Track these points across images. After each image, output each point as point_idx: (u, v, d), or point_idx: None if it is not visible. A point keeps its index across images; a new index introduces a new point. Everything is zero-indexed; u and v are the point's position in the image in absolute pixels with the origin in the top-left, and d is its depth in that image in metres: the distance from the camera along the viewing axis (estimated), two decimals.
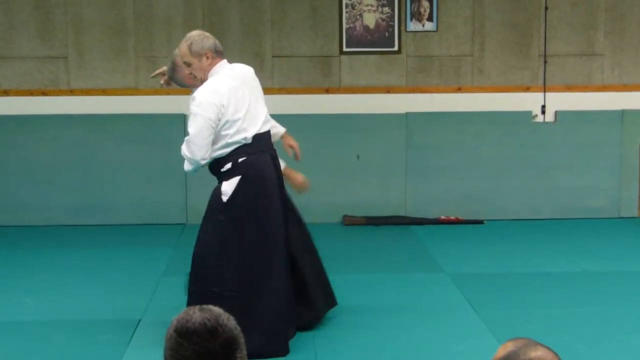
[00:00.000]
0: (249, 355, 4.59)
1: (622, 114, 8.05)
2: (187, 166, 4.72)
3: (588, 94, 8.11)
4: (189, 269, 4.78)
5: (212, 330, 1.85)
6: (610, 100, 8.09)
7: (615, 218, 8.07)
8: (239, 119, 4.64)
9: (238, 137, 4.66)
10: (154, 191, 7.90)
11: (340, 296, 5.54)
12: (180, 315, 1.90)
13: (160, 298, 5.63)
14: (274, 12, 7.92)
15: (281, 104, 7.92)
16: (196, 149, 4.58)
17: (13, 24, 7.82)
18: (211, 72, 4.70)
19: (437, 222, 7.91)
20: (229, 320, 1.89)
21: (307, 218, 7.86)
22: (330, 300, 5.17)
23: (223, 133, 4.62)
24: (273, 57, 7.93)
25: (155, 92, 7.74)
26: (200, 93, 4.61)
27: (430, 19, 7.97)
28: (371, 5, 7.93)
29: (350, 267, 6.44)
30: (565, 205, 8.09)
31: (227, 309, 4.47)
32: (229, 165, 4.67)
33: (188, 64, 4.70)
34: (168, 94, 7.78)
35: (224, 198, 4.64)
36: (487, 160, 8.06)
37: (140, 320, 5.12)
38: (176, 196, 7.93)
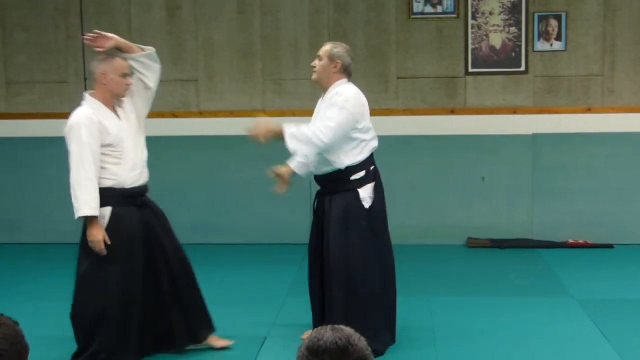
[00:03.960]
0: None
1: None
2: (303, 149, 4.82)
3: None
4: None
5: (343, 349, 1.86)
6: None
7: None
8: (371, 127, 4.96)
9: (374, 144, 4.97)
10: (280, 211, 8.02)
11: (464, 319, 5.48)
12: (312, 333, 1.92)
13: (286, 316, 5.69)
14: (399, 33, 7.95)
15: (405, 124, 7.95)
16: (332, 136, 4.77)
17: None
18: (338, 83, 4.95)
19: (565, 245, 7.73)
20: (359, 341, 1.89)
21: (430, 239, 7.90)
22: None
23: (362, 137, 4.89)
24: (398, 78, 7.95)
25: (282, 114, 7.88)
26: (348, 90, 4.90)
27: (558, 38, 7.82)
28: (497, 25, 7.85)
29: (474, 290, 6.35)
30: None
31: (373, 309, 4.73)
32: (362, 173, 4.90)
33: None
34: (294, 115, 7.91)
35: (366, 204, 4.88)
36: (618, 183, 7.83)
37: (266, 338, 5.19)
38: (301, 216, 8.01)
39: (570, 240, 7.77)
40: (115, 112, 4.74)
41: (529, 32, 7.85)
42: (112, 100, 4.73)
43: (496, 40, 7.88)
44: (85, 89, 8.11)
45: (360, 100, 4.92)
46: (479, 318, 5.58)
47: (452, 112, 7.96)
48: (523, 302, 6.00)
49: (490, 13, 7.85)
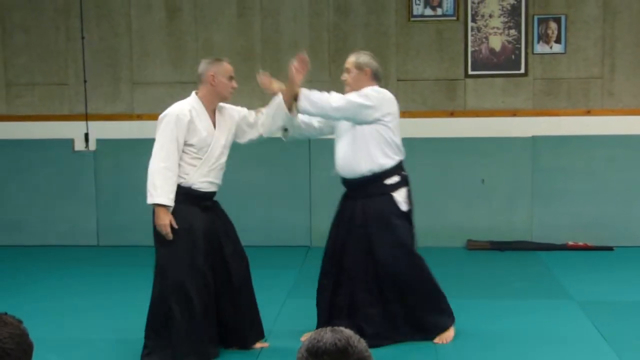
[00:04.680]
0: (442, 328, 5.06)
1: None
2: (315, 106, 4.89)
3: None
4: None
5: (342, 351, 1.86)
6: None
7: None
8: (399, 132, 5.09)
9: (402, 148, 5.10)
10: (279, 213, 8.02)
11: (465, 321, 5.48)
12: (312, 335, 1.93)
13: (285, 319, 5.69)
14: (399, 36, 7.95)
15: (405, 127, 7.87)
16: (341, 108, 4.89)
17: (147, 51, 8.12)
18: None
19: (565, 248, 7.73)
20: (359, 342, 1.90)
21: (430, 242, 7.87)
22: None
23: (394, 138, 5.05)
24: (398, 80, 7.95)
25: None
26: (383, 90, 5.10)
27: (558, 40, 7.83)
28: (497, 28, 7.86)
29: (474, 292, 6.35)
30: None
31: (427, 300, 5.04)
32: (396, 178, 5.04)
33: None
34: None
35: (403, 207, 5.03)
36: (617, 185, 7.83)
37: (266, 340, 5.18)
38: (301, 219, 8.03)
39: (570, 243, 7.77)
40: (213, 117, 4.85)
41: (528, 35, 7.85)
42: (215, 103, 4.87)
43: (496, 42, 7.88)
44: (85, 91, 8.17)
45: (388, 97, 5.05)
46: (479, 320, 5.58)
47: (452, 114, 7.96)
48: (523, 304, 6.00)
49: (490, 16, 7.85)
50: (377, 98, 4.97)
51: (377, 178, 5.00)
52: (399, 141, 5.09)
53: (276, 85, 5.03)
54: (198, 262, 4.73)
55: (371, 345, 5.09)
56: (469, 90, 7.96)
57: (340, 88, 7.89)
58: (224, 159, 4.92)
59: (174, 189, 4.67)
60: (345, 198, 5.18)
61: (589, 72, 7.87)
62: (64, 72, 8.22)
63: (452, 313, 5.21)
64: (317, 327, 4.93)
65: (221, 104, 4.96)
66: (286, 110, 4.93)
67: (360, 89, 5.03)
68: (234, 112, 5.01)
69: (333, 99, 4.90)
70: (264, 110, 5.08)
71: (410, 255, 5.06)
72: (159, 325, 4.73)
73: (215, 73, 4.82)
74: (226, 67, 4.88)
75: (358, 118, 4.94)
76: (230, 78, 4.88)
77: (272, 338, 5.23)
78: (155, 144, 4.73)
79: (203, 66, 4.88)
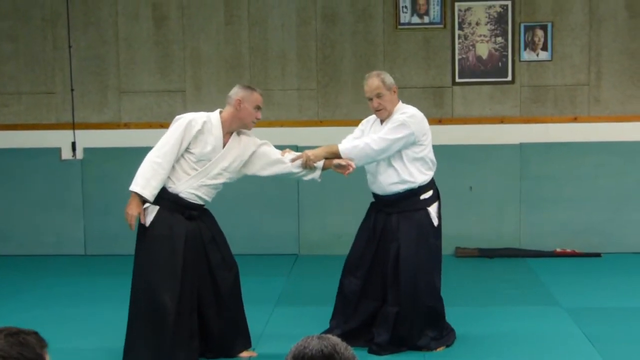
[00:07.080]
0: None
1: None
2: (361, 159, 4.93)
3: None
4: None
5: (328, 357, 1.86)
6: None
7: None
8: (431, 147, 5.06)
9: (435, 162, 5.10)
10: (268, 222, 8.01)
11: (454, 329, 5.49)
12: (298, 342, 1.93)
13: (274, 328, 5.67)
14: (386, 44, 7.96)
15: None
16: (386, 149, 4.90)
17: (134, 60, 8.11)
18: (399, 107, 5.06)
19: (553, 254, 7.75)
20: (346, 350, 1.90)
21: None
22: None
23: (430, 155, 5.04)
24: None
25: (270, 124, 7.88)
26: (412, 109, 5.03)
27: (544, 48, 7.86)
28: (484, 36, 7.88)
29: (463, 300, 6.36)
30: None
31: (440, 316, 5.06)
32: (431, 192, 5.06)
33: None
34: (282, 125, 7.91)
35: (435, 222, 5.05)
36: (605, 192, 7.86)
37: (254, 349, 5.17)
38: (289, 227, 8.02)
39: (558, 250, 7.79)
40: (227, 138, 4.87)
41: (515, 42, 7.88)
42: (234, 127, 4.88)
43: (483, 50, 7.91)
44: (72, 100, 8.15)
45: (419, 117, 5.00)
46: (467, 327, 5.58)
47: (440, 122, 7.97)
48: (511, 311, 6.01)
49: (477, 23, 7.88)
50: (413, 122, 4.94)
51: (413, 194, 5.03)
52: (433, 156, 5.09)
53: (316, 157, 5.00)
54: (175, 270, 4.69)
55: (379, 353, 5.07)
56: (456, 97, 7.98)
57: (327, 96, 7.94)
58: (221, 180, 4.91)
59: (159, 186, 4.69)
60: (377, 212, 5.16)
61: (575, 79, 7.91)
62: (51, 80, 8.21)
63: (443, 337, 5.20)
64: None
65: (245, 131, 4.96)
66: (320, 172, 5.03)
67: (392, 109, 5.02)
68: (251, 145, 4.98)
69: (373, 144, 4.90)
70: (290, 151, 5.10)
71: (433, 274, 5.09)
72: (132, 327, 4.76)
73: (242, 99, 4.84)
74: (256, 96, 4.89)
75: (404, 147, 4.96)
76: (257, 108, 4.88)
77: (260, 346, 5.22)
78: (161, 139, 4.76)
79: (234, 89, 4.93)
